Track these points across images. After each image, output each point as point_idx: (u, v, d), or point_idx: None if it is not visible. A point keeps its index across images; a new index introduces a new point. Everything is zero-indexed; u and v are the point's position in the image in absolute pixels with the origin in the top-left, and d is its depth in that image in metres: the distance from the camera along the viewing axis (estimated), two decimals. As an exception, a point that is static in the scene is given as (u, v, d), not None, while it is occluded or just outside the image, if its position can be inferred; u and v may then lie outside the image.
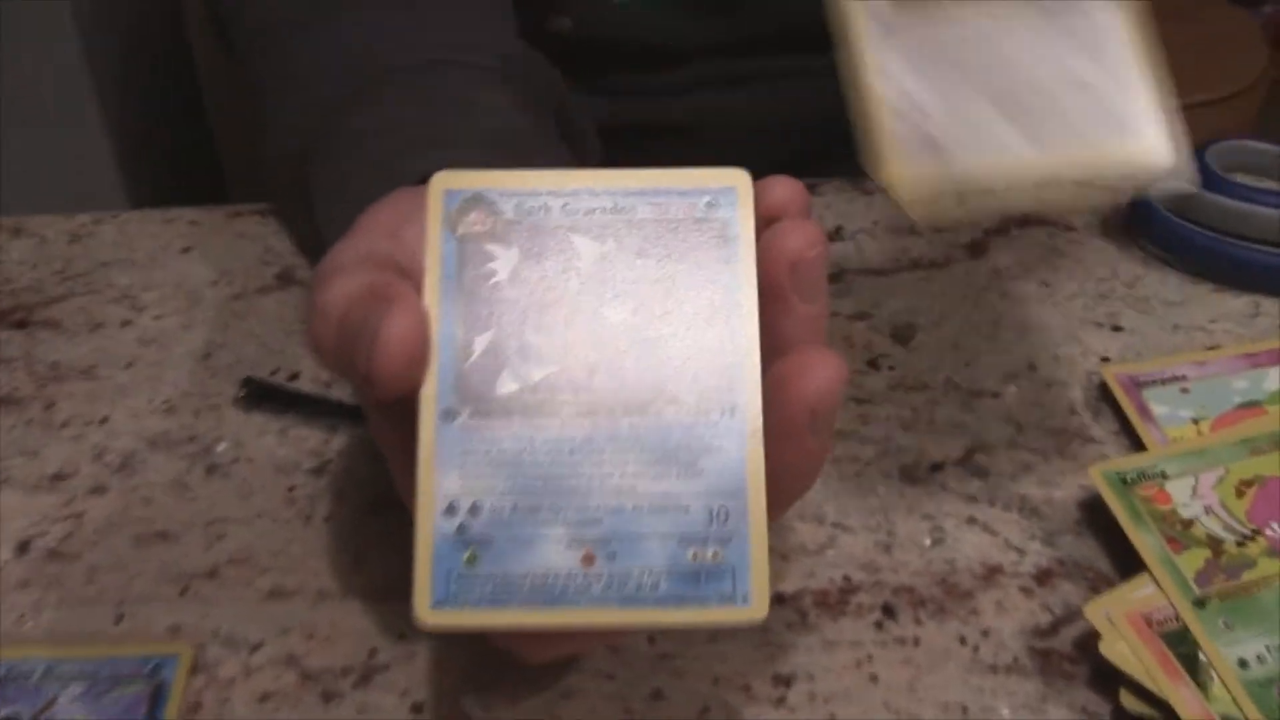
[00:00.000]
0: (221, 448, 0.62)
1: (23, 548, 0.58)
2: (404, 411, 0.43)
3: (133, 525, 0.59)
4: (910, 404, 0.62)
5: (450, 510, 0.41)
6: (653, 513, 0.41)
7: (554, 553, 0.41)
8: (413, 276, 0.43)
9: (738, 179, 0.44)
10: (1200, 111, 1.78)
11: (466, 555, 0.41)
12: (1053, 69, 0.48)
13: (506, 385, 0.42)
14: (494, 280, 0.43)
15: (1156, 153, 0.47)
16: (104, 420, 0.64)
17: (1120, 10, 0.49)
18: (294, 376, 0.65)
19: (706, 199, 0.44)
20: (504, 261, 0.43)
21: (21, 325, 0.69)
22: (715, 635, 0.53)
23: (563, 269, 0.43)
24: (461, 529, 0.41)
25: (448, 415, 0.42)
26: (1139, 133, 0.47)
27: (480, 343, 0.42)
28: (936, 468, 0.59)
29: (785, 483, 0.42)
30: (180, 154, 1.97)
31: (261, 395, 0.64)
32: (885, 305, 0.67)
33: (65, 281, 0.72)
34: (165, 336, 0.68)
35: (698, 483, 0.41)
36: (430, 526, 0.41)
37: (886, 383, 0.63)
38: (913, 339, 0.65)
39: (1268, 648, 0.49)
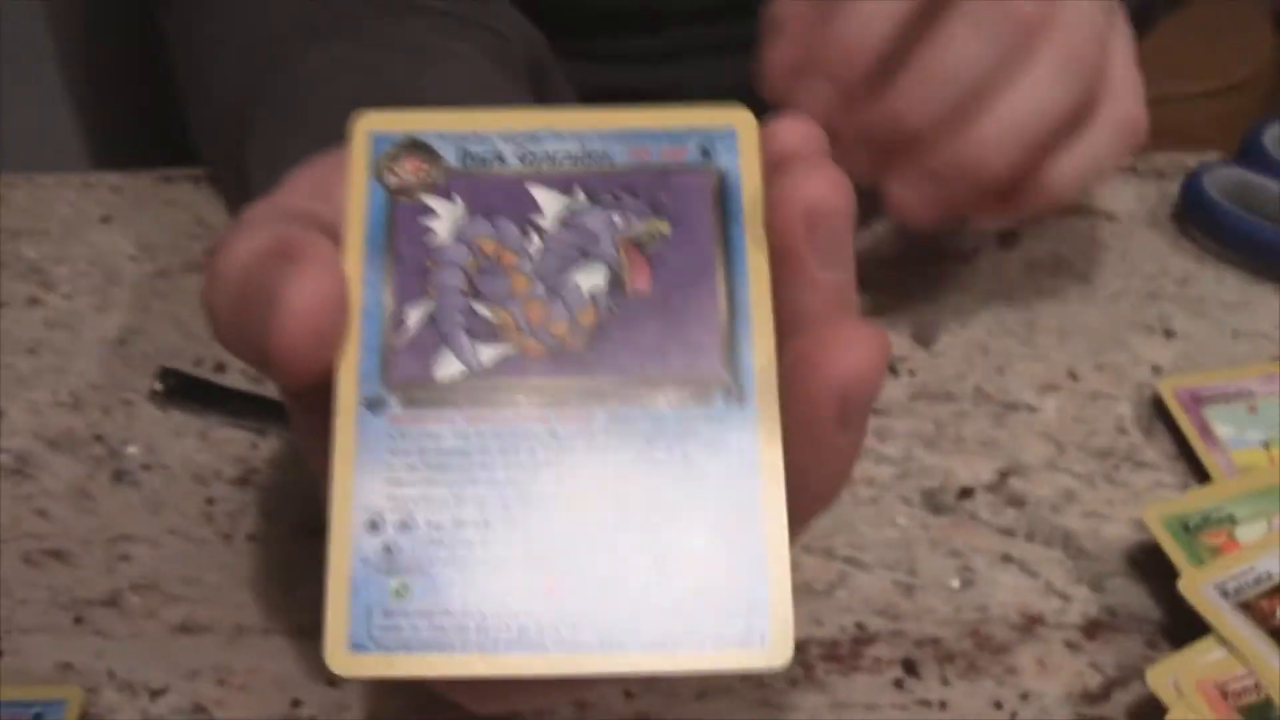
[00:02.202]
0: (131, 450, 0.54)
1: (-107, 564, 0.50)
2: (321, 406, 0.34)
3: (22, 540, 0.51)
4: (934, 417, 0.54)
5: (373, 526, 0.32)
6: (638, 534, 0.32)
7: (508, 583, 0.32)
8: (337, 239, 0.34)
9: (738, 118, 0.35)
10: (1209, 100, 1.73)
11: (394, 586, 0.32)
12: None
13: (448, 368, 0.33)
14: (432, 240, 0.34)
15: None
16: (-1, 414, 0.55)
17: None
18: (219, 368, 0.57)
19: (699, 142, 0.35)
20: (445, 217, 0.34)
21: (-87, 299, 0.61)
22: (706, 689, 0.44)
23: (519, 227, 0.34)
24: (387, 551, 0.32)
25: (372, 405, 0.33)
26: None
27: (415, 315, 0.33)
28: (965, 494, 0.51)
29: (805, 492, 0.33)
30: (149, 115, 1.90)
31: (181, 390, 0.56)
32: (904, 302, 0.59)
33: (-33, 251, 0.63)
34: (75, 319, 0.60)
35: (695, 491, 0.32)
36: (346, 548, 0.32)
37: (906, 392, 0.55)
38: (936, 341, 0.57)
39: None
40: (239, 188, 0.57)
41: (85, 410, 0.56)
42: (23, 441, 0.54)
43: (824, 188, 0.33)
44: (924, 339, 0.57)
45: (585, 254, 0.34)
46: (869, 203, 0.42)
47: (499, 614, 0.31)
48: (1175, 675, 0.42)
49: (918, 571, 0.48)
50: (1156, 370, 0.56)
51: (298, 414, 0.37)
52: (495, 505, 0.32)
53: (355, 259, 0.34)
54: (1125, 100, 0.53)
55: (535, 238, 0.34)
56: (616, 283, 0.34)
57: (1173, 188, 0.63)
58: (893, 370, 0.56)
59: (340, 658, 0.31)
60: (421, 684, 0.41)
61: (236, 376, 0.56)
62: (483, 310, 0.33)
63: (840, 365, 0.32)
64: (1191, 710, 0.41)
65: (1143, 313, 0.59)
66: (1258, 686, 0.42)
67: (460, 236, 0.34)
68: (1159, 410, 0.54)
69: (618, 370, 0.33)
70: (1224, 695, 0.42)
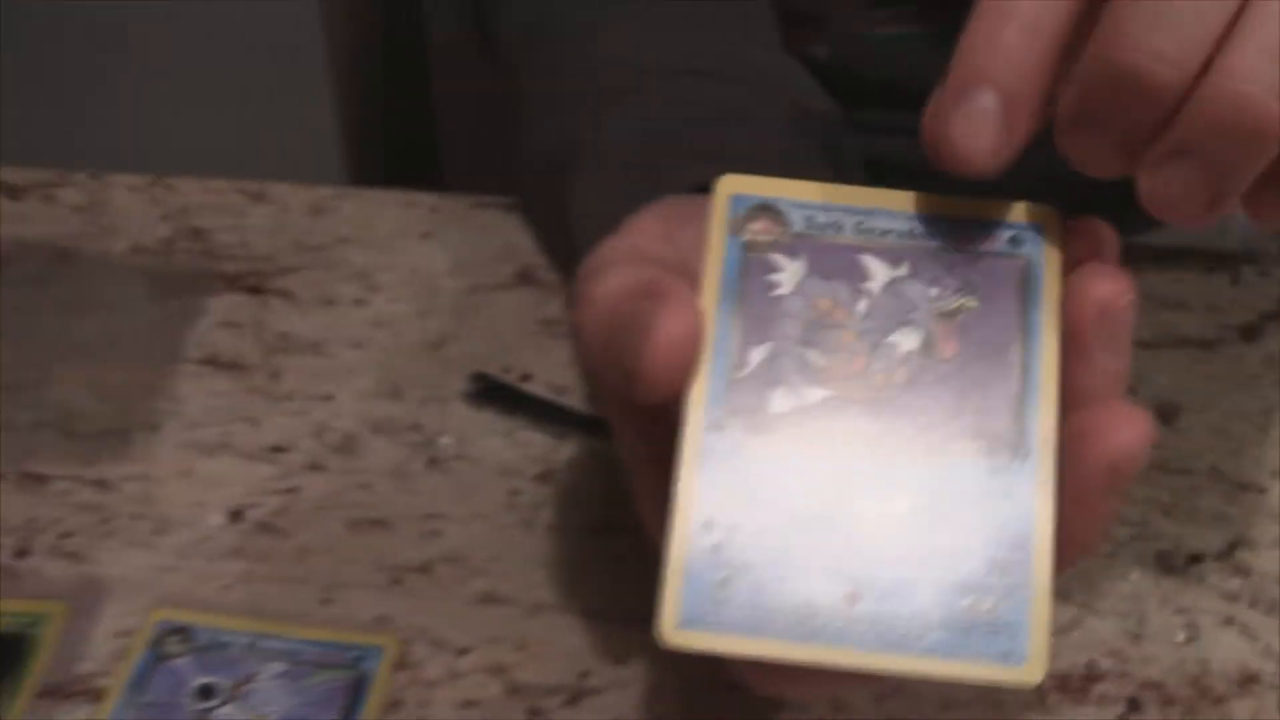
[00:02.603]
0: (445, 441, 0.61)
1: (235, 516, 0.58)
2: (655, 422, 0.41)
3: (348, 509, 0.58)
4: (1171, 487, 0.59)
5: (707, 526, 0.38)
6: (928, 556, 0.38)
7: (816, 587, 0.38)
8: (687, 280, 0.41)
9: (1046, 215, 0.41)
10: None
11: (720, 577, 0.38)
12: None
13: (781, 403, 0.39)
14: (776, 292, 0.40)
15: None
16: (328, 398, 0.63)
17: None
18: (525, 378, 0.63)
19: (1011, 233, 0.41)
20: (789, 274, 0.41)
21: (255, 291, 0.68)
22: (951, 701, 0.50)
23: (851, 289, 0.40)
24: (717, 549, 0.38)
25: (715, 426, 0.39)
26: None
27: (757, 355, 0.40)
28: (1194, 559, 0.56)
29: (1071, 544, 0.39)
30: (400, 134, 2.01)
31: (491, 393, 0.62)
32: (1150, 380, 0.63)
33: (302, 253, 0.71)
34: (398, 321, 0.67)
35: (980, 529, 0.38)
36: (685, 540, 0.38)
37: (1148, 463, 0.60)
38: (1177, 419, 0.62)
39: None
40: (554, 215, 0.64)
41: (405, 402, 0.63)
42: (350, 423, 0.62)
43: (1115, 288, 0.39)
44: (1166, 416, 0.62)
45: (904, 319, 0.40)
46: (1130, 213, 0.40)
47: (804, 610, 0.37)
48: (1381, 737, 0.47)
49: (1146, 622, 0.53)
50: (1387, 465, 0.60)
51: (627, 429, 0.44)
52: (810, 519, 0.38)
53: (710, 300, 0.40)
54: None
55: (863, 300, 0.40)
56: (928, 347, 0.40)
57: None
58: (1135, 443, 0.61)
59: (670, 630, 0.37)
60: (703, 668, 0.47)
61: (541, 386, 0.63)
62: (814, 357, 0.39)
63: (1114, 441, 0.38)
64: (1394, 769, 0.46)
65: (1376, 412, 0.63)
66: None
67: (800, 292, 0.40)
68: (1384, 502, 0.58)
69: (923, 421, 0.39)
70: None
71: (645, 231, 0.45)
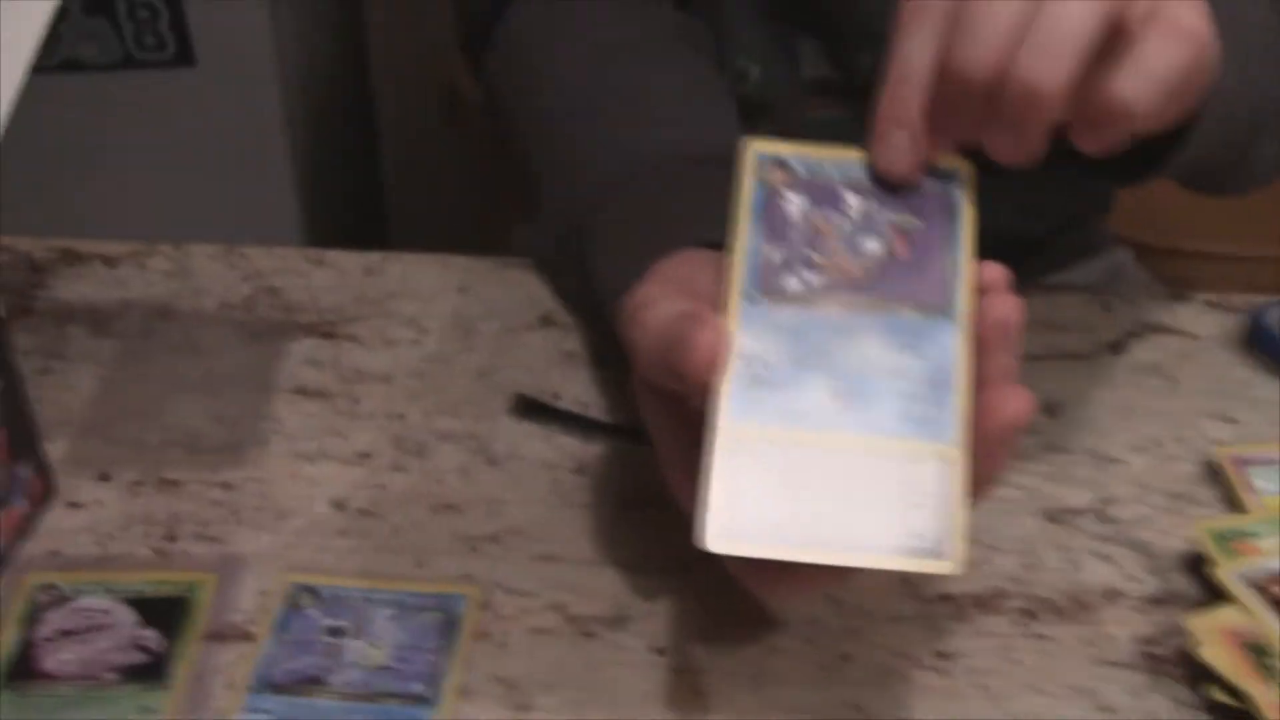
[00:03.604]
0: (498, 445, 0.78)
1: (339, 505, 0.74)
2: (684, 411, 0.59)
3: (427, 497, 0.74)
4: (1054, 462, 0.77)
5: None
6: (889, 375, 0.57)
7: (816, 392, 0.56)
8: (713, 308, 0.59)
9: (964, 164, 0.61)
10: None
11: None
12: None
13: (794, 285, 0.59)
14: (789, 217, 0.60)
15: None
16: (401, 416, 0.80)
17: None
18: (556, 397, 0.81)
19: (941, 176, 0.61)
20: (795, 204, 0.60)
21: (328, 336, 0.85)
22: (897, 619, 0.67)
23: (837, 213, 0.60)
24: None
25: (751, 299, 0.58)
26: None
27: (776, 255, 0.59)
28: (1074, 512, 0.74)
29: (979, 483, 0.57)
30: (352, 198, 2.15)
31: (530, 408, 0.80)
32: (1039, 385, 0.80)
33: (361, 305, 0.88)
34: (448, 356, 0.84)
35: (921, 361, 0.57)
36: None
37: (1037, 445, 0.78)
38: (1060, 413, 0.80)
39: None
40: (571, 273, 0.81)
41: (462, 418, 0.80)
42: (421, 434, 0.79)
43: (1010, 309, 0.58)
44: (1051, 410, 0.80)
45: (872, 232, 0.60)
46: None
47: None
48: (1204, 624, 0.64)
49: (1038, 557, 0.71)
50: (1218, 443, 0.78)
51: (663, 413, 0.62)
52: (813, 353, 0.58)
53: (744, 228, 0.60)
54: (1181, 12, 0.58)
55: (845, 220, 0.60)
56: (889, 250, 0.59)
57: (1243, 320, 0.86)
58: (1029, 431, 0.79)
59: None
60: (718, 599, 0.65)
61: (569, 402, 0.80)
62: (815, 257, 0.59)
63: (1008, 410, 0.56)
64: (1213, 645, 0.64)
65: (1211, 405, 0.81)
66: (1257, 634, 0.64)
67: (804, 216, 0.60)
68: (1215, 470, 0.76)
69: (886, 295, 0.59)
70: (1234, 637, 0.64)
71: (671, 278, 0.63)
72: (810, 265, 0.59)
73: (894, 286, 0.59)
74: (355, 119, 2.20)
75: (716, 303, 0.59)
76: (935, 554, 0.55)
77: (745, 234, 0.59)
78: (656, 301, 0.60)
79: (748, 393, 0.57)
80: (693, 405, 0.59)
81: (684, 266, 0.64)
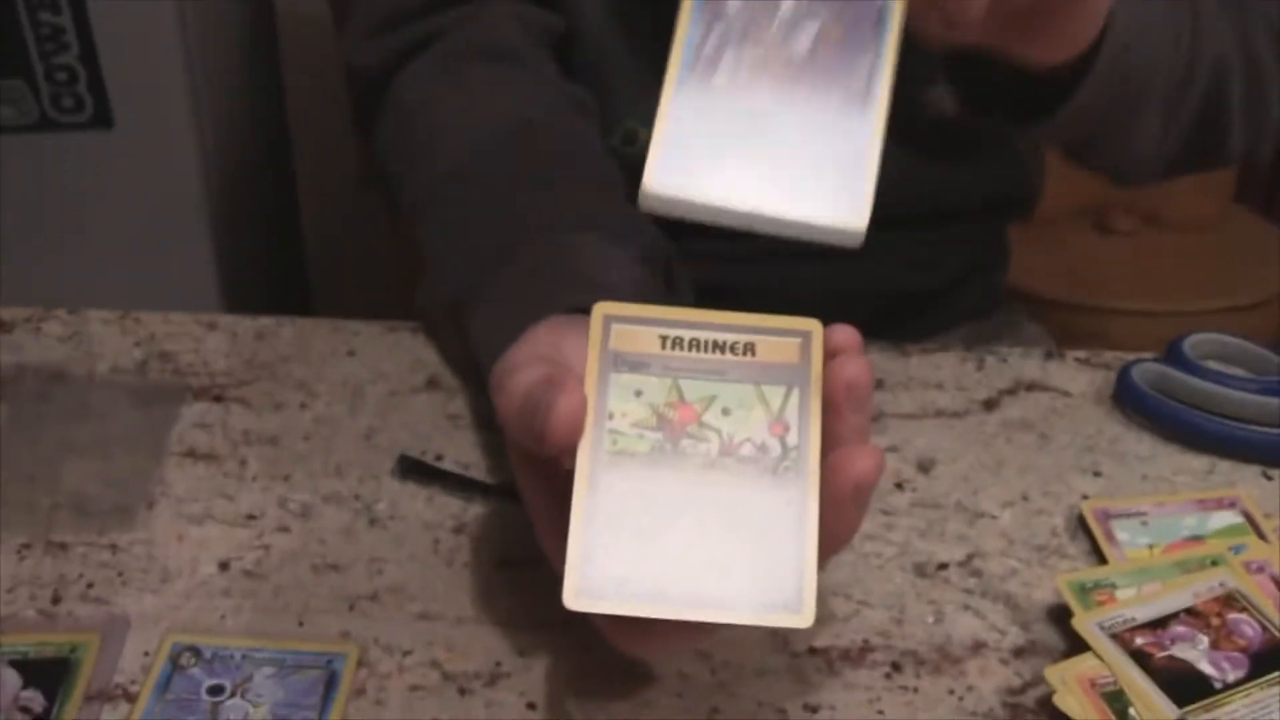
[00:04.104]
0: (380, 506, 0.79)
1: (224, 566, 0.75)
2: (553, 474, 0.60)
3: (310, 557, 0.76)
4: (926, 518, 0.79)
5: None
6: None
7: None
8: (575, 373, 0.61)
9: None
10: (1223, 317, 1.93)
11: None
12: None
13: (725, 66, 0.63)
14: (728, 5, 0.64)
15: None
16: (286, 477, 0.81)
17: None
18: (439, 458, 0.82)
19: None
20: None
21: (218, 400, 0.86)
22: (763, 672, 0.69)
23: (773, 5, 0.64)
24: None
25: (683, 78, 0.63)
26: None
27: (714, 38, 0.63)
28: (942, 566, 0.76)
29: (830, 540, 0.58)
30: (272, 264, 2.15)
31: (413, 469, 0.81)
32: (913, 442, 0.84)
33: (252, 369, 0.89)
34: (335, 419, 0.85)
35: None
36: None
37: (909, 501, 0.80)
38: (932, 470, 0.82)
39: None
40: (454, 328, 0.82)
41: (346, 479, 0.81)
42: (305, 496, 0.80)
43: (857, 370, 0.59)
44: (924, 467, 0.82)
45: (809, 17, 0.64)
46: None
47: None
48: (1063, 674, 0.66)
49: (906, 611, 0.73)
50: (1085, 496, 0.80)
51: (532, 476, 0.63)
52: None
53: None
54: None
55: (781, 11, 0.63)
56: (823, 35, 0.63)
57: (1113, 376, 0.89)
58: (900, 487, 0.81)
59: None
60: (589, 654, 0.67)
61: (450, 463, 0.82)
62: (751, 39, 0.63)
63: (858, 468, 0.58)
64: (1071, 694, 0.65)
65: (1081, 460, 0.83)
66: (1115, 682, 0.66)
67: (744, 7, 0.63)
68: (1081, 522, 0.78)
69: (816, 75, 0.62)
70: (1093, 685, 0.66)
71: (540, 340, 0.65)
72: (748, 46, 0.62)
73: (826, 68, 0.62)
74: (275, 184, 2.21)
75: (580, 366, 0.60)
76: (788, 608, 0.56)
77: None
78: (520, 368, 0.62)
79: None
80: (562, 468, 0.61)
81: (551, 334, 0.66)
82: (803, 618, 0.56)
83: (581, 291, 0.72)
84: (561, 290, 0.72)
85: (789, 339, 0.61)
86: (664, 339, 0.61)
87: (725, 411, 0.60)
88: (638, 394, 0.60)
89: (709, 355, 0.61)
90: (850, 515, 0.59)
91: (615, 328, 0.61)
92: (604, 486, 0.58)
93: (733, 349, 0.61)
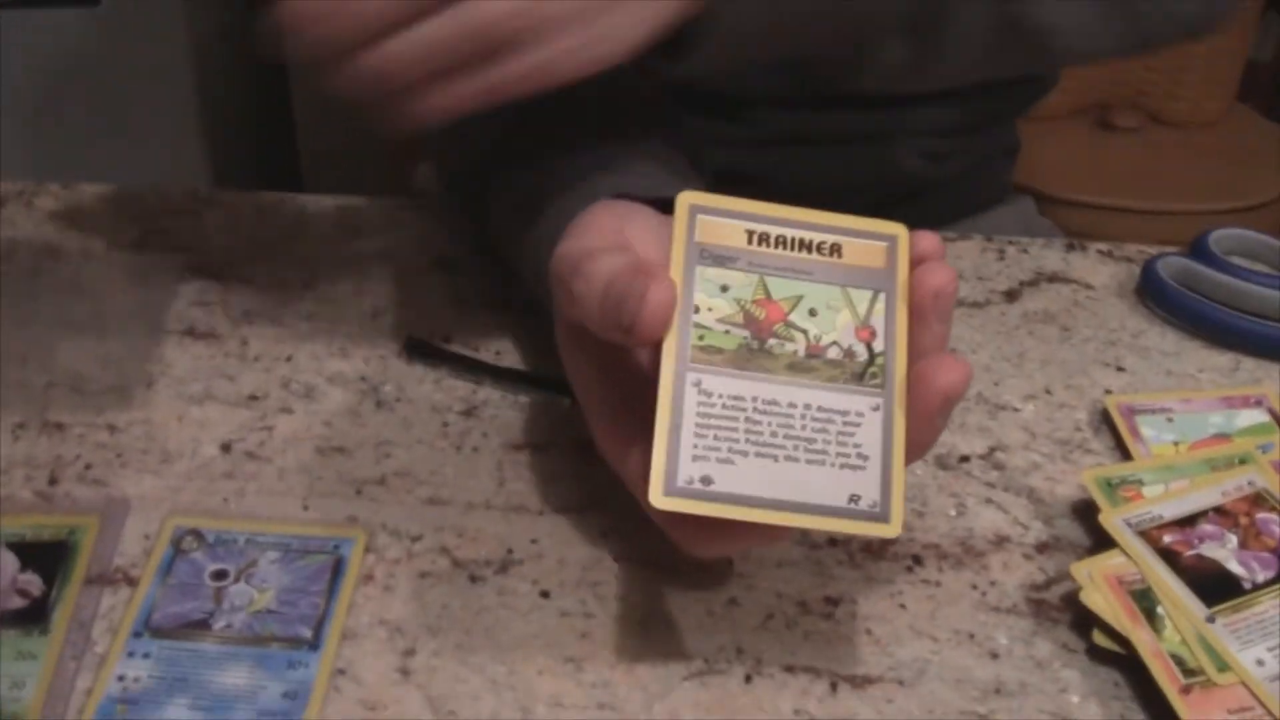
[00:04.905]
0: (387, 388, 0.77)
1: (225, 448, 0.73)
2: (610, 366, 0.60)
3: (315, 440, 0.74)
4: (947, 409, 0.77)
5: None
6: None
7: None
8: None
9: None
10: (1226, 218, 1.91)
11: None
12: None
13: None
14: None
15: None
16: (289, 358, 0.79)
17: None
18: (446, 340, 0.80)
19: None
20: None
21: (218, 278, 0.84)
22: (781, 562, 0.67)
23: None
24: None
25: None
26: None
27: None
28: (964, 459, 0.74)
29: (914, 448, 0.57)
30: (262, 140, 2.13)
31: (420, 350, 0.79)
32: (933, 332, 0.82)
33: (253, 247, 0.87)
34: (340, 299, 0.83)
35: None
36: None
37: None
38: (953, 360, 0.80)
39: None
40: (473, 204, 0.79)
41: (352, 360, 0.79)
42: (309, 377, 0.78)
43: (945, 278, 0.57)
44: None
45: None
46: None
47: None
48: (1089, 570, 0.65)
49: (928, 503, 0.71)
50: (1108, 391, 0.78)
51: (594, 366, 0.62)
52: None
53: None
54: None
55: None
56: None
57: (1137, 270, 0.87)
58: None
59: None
60: (610, 539, 0.65)
61: (459, 346, 0.79)
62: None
63: (944, 379, 0.55)
64: (1098, 590, 0.64)
65: (1104, 354, 0.81)
66: (1142, 580, 0.64)
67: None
68: (1105, 418, 0.76)
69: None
70: (1120, 583, 0.64)
71: (602, 228, 0.62)
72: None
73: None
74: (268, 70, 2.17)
75: (648, 254, 0.58)
76: (876, 517, 0.55)
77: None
78: (597, 254, 0.58)
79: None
80: (623, 362, 0.59)
81: (615, 219, 0.63)
82: (891, 527, 0.55)
83: (624, 176, 0.69)
84: (605, 177, 0.69)
85: (875, 242, 0.59)
86: (750, 234, 0.59)
87: (812, 312, 0.58)
88: (724, 289, 0.58)
89: (795, 254, 0.59)
90: (935, 425, 0.57)
91: (701, 219, 0.59)
92: (691, 383, 0.56)
93: (819, 249, 0.59)
